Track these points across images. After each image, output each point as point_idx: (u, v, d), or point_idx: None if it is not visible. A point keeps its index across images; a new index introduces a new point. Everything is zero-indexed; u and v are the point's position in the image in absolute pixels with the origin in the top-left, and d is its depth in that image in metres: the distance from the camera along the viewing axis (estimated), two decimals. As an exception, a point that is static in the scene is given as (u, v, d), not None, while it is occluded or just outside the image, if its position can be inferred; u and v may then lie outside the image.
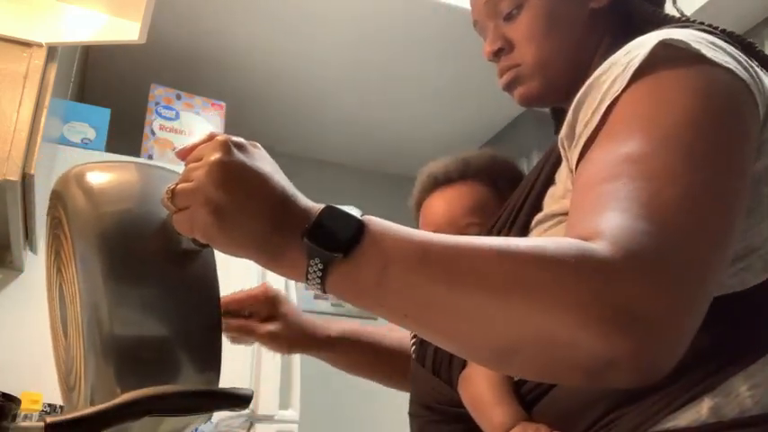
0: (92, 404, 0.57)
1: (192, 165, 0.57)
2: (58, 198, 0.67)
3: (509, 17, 0.83)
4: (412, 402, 0.93)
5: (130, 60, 2.69)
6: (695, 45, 0.62)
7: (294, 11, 2.45)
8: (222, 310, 0.90)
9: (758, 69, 0.65)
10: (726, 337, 0.51)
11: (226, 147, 0.56)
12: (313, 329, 1.04)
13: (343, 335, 1.07)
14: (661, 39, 0.62)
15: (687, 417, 0.60)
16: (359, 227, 0.53)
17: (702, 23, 0.72)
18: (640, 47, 0.63)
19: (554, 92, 0.83)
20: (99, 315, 0.59)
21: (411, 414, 0.93)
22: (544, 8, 0.81)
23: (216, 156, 0.55)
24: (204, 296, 0.64)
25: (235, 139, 0.57)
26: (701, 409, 0.60)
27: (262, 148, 0.59)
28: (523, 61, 0.83)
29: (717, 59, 0.61)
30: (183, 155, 0.60)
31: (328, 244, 0.52)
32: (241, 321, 0.99)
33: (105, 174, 0.66)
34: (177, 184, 0.57)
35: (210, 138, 0.58)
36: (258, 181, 0.55)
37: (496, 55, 0.85)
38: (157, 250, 0.62)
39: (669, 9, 0.83)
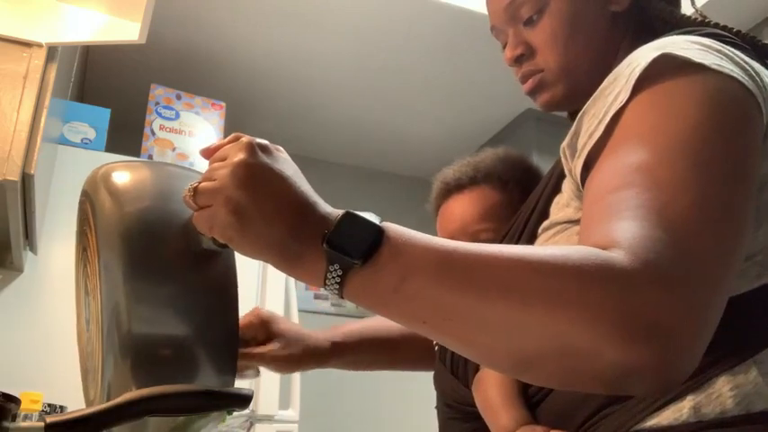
0: (108, 400, 0.57)
1: (215, 164, 0.57)
2: (86, 197, 0.67)
3: (530, 22, 0.82)
4: (437, 398, 0.95)
5: (130, 60, 2.69)
6: (698, 56, 0.62)
7: (294, 11, 2.45)
8: None
9: (764, 76, 0.65)
10: (715, 339, 0.52)
11: (250, 148, 0.56)
12: (316, 341, 1.01)
13: (345, 338, 1.05)
14: (661, 51, 0.62)
15: (668, 416, 0.61)
16: (379, 233, 0.53)
17: (717, 24, 0.72)
18: (642, 58, 0.64)
19: (577, 96, 0.81)
20: (119, 312, 0.59)
21: (436, 409, 0.95)
22: (566, 12, 0.80)
23: (240, 156, 0.55)
24: (223, 298, 0.63)
25: (259, 141, 0.57)
26: (683, 409, 0.60)
27: (284, 152, 0.59)
28: (547, 66, 0.82)
29: (718, 68, 0.61)
30: (208, 154, 0.60)
31: (348, 251, 0.52)
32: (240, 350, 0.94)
33: (132, 174, 0.65)
34: (200, 183, 0.57)
35: (235, 138, 0.58)
36: (280, 184, 0.55)
37: (518, 61, 0.85)
38: (178, 250, 0.61)
39: (687, 8, 0.82)
